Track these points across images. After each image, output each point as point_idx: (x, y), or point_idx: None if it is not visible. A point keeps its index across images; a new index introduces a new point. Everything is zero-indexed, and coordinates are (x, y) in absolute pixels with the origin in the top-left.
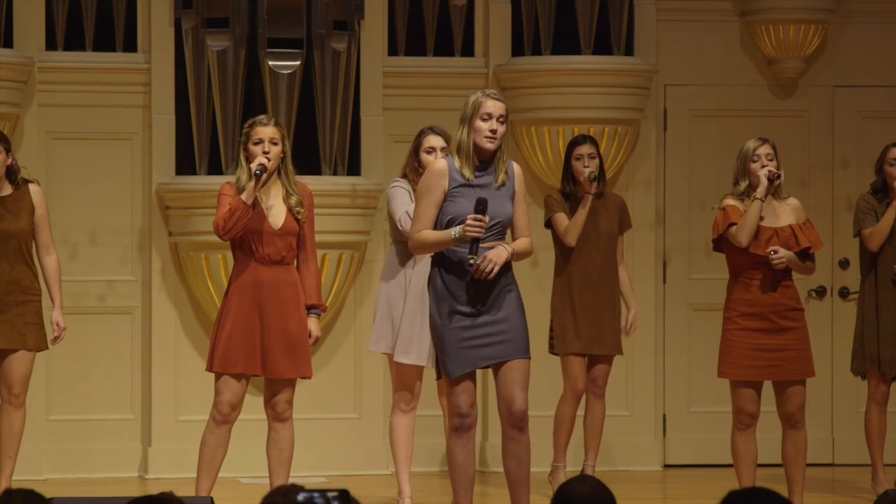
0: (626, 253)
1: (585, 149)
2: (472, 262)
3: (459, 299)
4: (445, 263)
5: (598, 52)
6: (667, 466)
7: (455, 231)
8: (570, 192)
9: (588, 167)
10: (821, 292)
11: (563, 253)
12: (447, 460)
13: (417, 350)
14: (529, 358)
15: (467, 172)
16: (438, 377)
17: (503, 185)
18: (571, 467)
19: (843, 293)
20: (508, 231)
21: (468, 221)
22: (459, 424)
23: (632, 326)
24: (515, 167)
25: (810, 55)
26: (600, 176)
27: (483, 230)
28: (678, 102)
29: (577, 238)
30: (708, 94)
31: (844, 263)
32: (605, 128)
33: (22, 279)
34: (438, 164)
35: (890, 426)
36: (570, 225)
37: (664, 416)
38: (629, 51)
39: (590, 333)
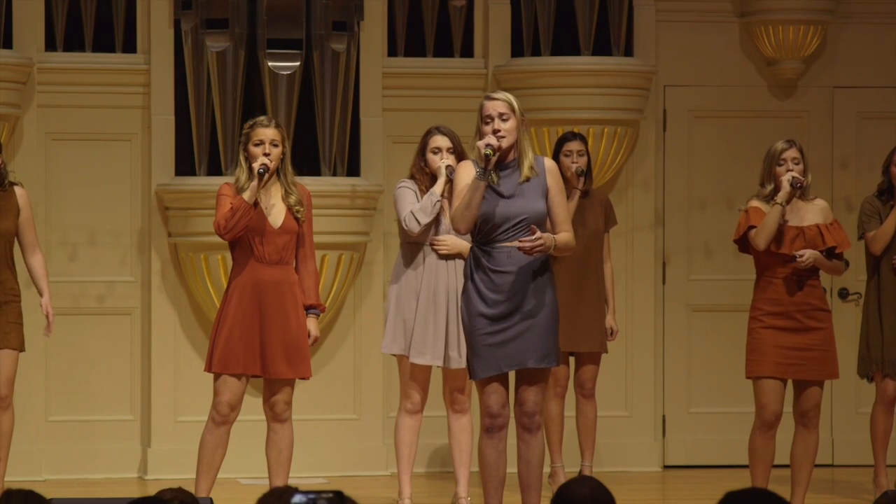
0: (626, 253)
1: (575, 145)
2: (487, 153)
3: (488, 300)
4: (478, 264)
5: (598, 53)
6: (666, 467)
7: (476, 172)
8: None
9: (576, 163)
10: None
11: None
12: (478, 460)
13: (432, 351)
14: (550, 365)
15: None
16: (470, 377)
17: (528, 180)
18: (569, 468)
19: (843, 294)
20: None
21: (476, 144)
22: (490, 425)
23: (613, 333)
24: (547, 162)
25: (810, 56)
26: (587, 172)
27: (496, 142)
28: (678, 103)
29: None
30: (707, 94)
31: (844, 264)
32: (604, 129)
33: (5, 280)
34: (465, 161)
35: (894, 427)
36: None
37: (663, 416)
38: (629, 52)
39: (574, 331)
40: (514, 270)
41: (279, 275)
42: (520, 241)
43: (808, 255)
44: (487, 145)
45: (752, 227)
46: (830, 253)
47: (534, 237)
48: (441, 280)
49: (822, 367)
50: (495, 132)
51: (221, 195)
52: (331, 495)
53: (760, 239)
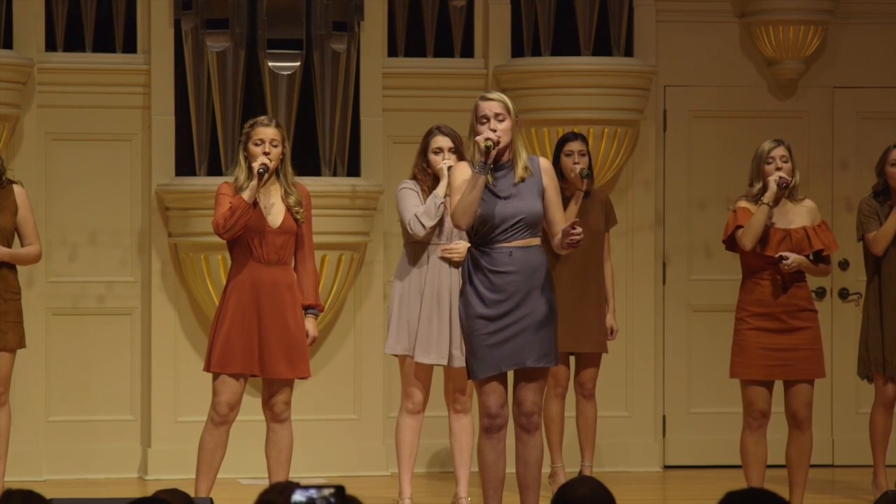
0: (626, 253)
1: (576, 145)
2: (487, 145)
3: (487, 300)
4: (476, 265)
5: (598, 53)
6: (666, 467)
7: (475, 167)
8: (559, 188)
9: (578, 164)
10: (820, 293)
11: (552, 251)
12: (477, 460)
13: (437, 350)
14: (549, 365)
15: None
16: (468, 377)
17: (523, 180)
18: (569, 468)
19: (843, 294)
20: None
21: (475, 139)
22: (489, 425)
23: (613, 332)
24: (542, 162)
25: (810, 56)
26: (590, 173)
27: (494, 136)
28: (678, 103)
29: None
30: (707, 94)
31: (844, 264)
32: (604, 129)
33: (4, 277)
34: (461, 162)
35: (893, 428)
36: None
37: (664, 416)
38: (629, 52)
39: (575, 331)
40: (513, 270)
41: (277, 275)
42: (571, 237)
43: (792, 259)
44: (487, 139)
45: (739, 226)
46: (818, 255)
47: (578, 230)
48: (444, 279)
49: (808, 367)
50: (492, 132)
51: (220, 194)
52: (332, 490)
53: (747, 239)
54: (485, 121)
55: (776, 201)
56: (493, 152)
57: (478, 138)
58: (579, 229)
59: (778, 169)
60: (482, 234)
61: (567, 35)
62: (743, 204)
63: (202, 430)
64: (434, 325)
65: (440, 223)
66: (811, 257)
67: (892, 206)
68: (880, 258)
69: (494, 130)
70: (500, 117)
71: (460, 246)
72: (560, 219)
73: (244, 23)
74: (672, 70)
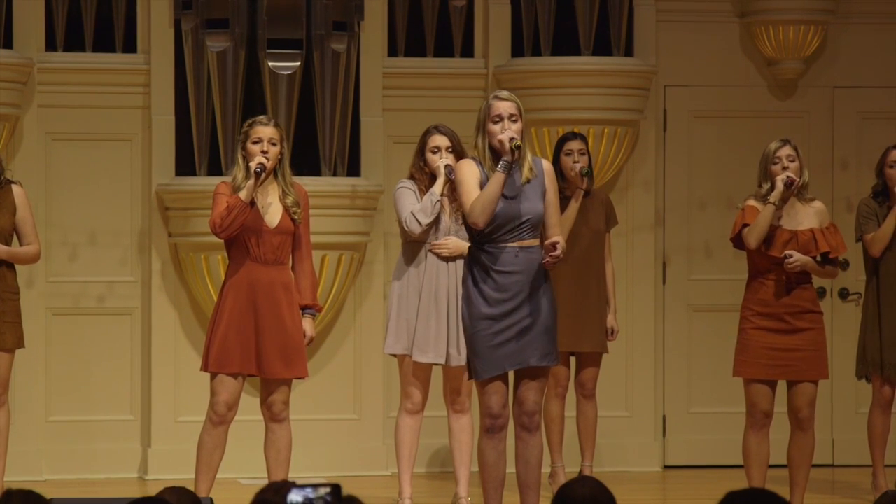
0: (626, 254)
1: (575, 144)
2: (517, 145)
3: (491, 300)
4: (480, 265)
5: (598, 53)
6: (666, 467)
7: (499, 166)
8: (560, 188)
9: (578, 162)
10: (820, 293)
11: None
12: (478, 460)
13: (435, 349)
14: (551, 364)
15: (491, 174)
16: (470, 377)
17: (528, 181)
18: (569, 468)
19: (843, 294)
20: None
21: (499, 138)
22: (490, 425)
23: (613, 332)
24: (544, 164)
25: (810, 56)
26: (590, 172)
27: (513, 134)
28: (678, 103)
29: (568, 234)
30: (708, 94)
31: (844, 265)
32: (604, 129)
33: (3, 277)
34: (466, 159)
35: (892, 428)
36: (561, 221)
37: (664, 416)
38: (629, 52)
39: (576, 331)
40: (518, 270)
41: (274, 275)
42: (550, 258)
43: (796, 258)
44: (512, 139)
45: (746, 225)
46: (825, 257)
47: (557, 252)
48: (442, 279)
49: (811, 368)
50: (511, 140)
51: (218, 193)
52: (328, 489)
53: (752, 237)
54: (498, 120)
55: (783, 201)
56: (518, 153)
57: (502, 136)
58: (559, 251)
59: (784, 168)
60: (487, 233)
61: (567, 35)
62: (752, 202)
63: (201, 430)
64: (432, 324)
65: (436, 221)
66: (818, 259)
67: (891, 206)
68: (878, 259)
69: (512, 130)
70: (514, 118)
71: (450, 241)
72: (556, 222)
73: (244, 23)
74: (672, 70)
